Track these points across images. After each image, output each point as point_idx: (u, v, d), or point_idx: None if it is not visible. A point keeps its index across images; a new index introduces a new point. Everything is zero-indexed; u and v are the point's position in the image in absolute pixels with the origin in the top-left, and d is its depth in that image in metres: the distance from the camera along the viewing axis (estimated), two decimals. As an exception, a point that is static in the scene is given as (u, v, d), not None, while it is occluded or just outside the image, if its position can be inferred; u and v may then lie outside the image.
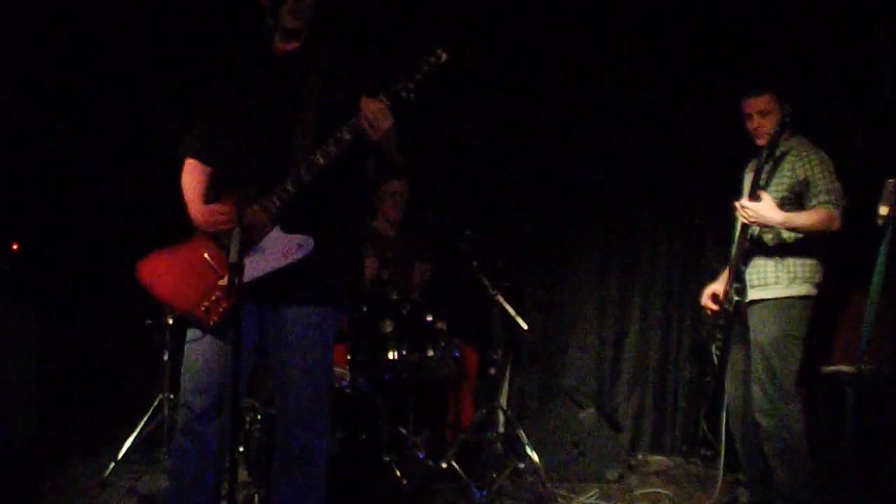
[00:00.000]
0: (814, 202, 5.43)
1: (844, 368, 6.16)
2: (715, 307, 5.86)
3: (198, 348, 4.11)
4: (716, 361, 5.85)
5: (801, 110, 5.69)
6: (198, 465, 4.16)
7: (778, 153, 5.59)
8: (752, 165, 5.89)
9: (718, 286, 5.91)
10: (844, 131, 6.75)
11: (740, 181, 5.96)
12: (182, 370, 4.25)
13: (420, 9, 7.43)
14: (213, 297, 4.07)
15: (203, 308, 4.04)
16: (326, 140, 4.04)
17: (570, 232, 7.94)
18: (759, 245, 5.61)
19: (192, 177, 4.37)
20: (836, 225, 5.38)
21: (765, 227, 5.49)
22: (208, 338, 4.10)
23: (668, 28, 7.45)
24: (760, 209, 5.35)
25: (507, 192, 7.85)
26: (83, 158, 7.31)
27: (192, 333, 4.20)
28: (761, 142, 5.68)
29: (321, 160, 4.03)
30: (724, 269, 5.99)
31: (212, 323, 4.05)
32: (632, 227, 7.88)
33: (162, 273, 4.16)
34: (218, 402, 4.13)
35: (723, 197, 6.18)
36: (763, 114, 5.65)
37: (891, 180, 4.32)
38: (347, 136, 4.02)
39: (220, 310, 4.05)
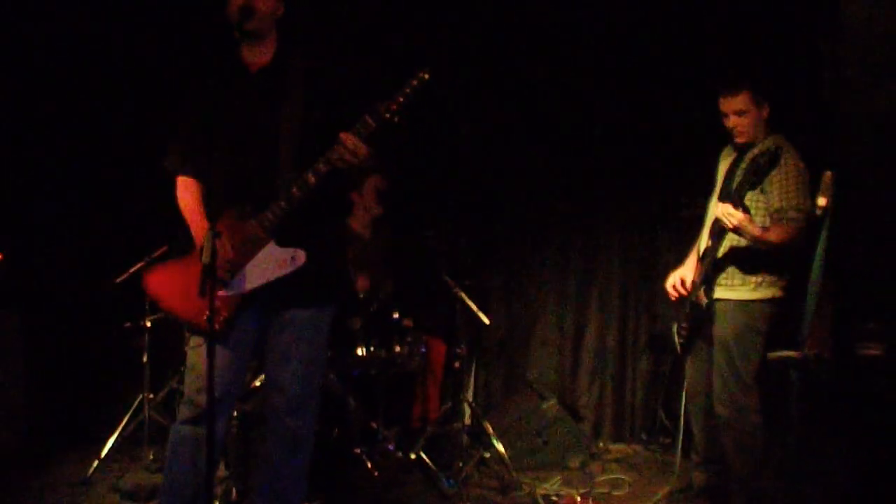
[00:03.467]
0: (784, 217, 5.51)
1: (790, 354, 6.30)
2: (681, 292, 5.94)
3: (201, 351, 4.28)
4: (678, 348, 5.95)
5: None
6: (193, 456, 4.36)
7: (757, 152, 5.60)
8: (726, 153, 5.97)
9: (685, 271, 5.99)
10: (788, 128, 6.88)
11: (698, 175, 6.13)
12: (186, 371, 4.50)
13: (399, 19, 7.60)
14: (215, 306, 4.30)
15: (205, 316, 4.27)
16: (316, 159, 4.20)
17: (530, 229, 8.03)
18: (733, 250, 5.69)
19: (187, 194, 4.53)
20: (800, 238, 5.48)
21: (740, 236, 5.58)
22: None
23: (629, 28, 7.57)
24: (743, 222, 5.41)
25: (470, 192, 7.94)
26: (65, 168, 7.38)
27: (194, 340, 4.42)
28: (740, 140, 5.75)
29: (313, 179, 4.21)
30: (689, 256, 6.09)
31: (215, 330, 4.28)
32: (590, 224, 7.98)
33: (167, 285, 4.40)
34: (223, 400, 4.35)
35: (673, 191, 6.37)
36: (740, 113, 5.68)
37: (828, 173, 4.52)
38: (336, 158, 4.18)
39: (221, 317, 4.28)
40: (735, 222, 5.42)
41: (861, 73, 6.11)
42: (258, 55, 4.37)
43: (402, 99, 4.23)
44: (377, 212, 7.16)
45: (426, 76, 4.27)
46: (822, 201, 4.65)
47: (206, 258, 3.91)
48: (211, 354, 3.89)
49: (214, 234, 3.95)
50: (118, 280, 6.40)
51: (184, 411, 4.48)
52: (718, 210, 5.54)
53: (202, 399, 4.17)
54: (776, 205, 5.55)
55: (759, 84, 5.81)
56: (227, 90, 4.38)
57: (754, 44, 7.13)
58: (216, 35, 4.53)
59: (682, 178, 7.21)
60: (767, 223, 5.58)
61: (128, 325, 6.67)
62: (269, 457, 4.55)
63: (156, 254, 6.21)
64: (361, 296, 6.42)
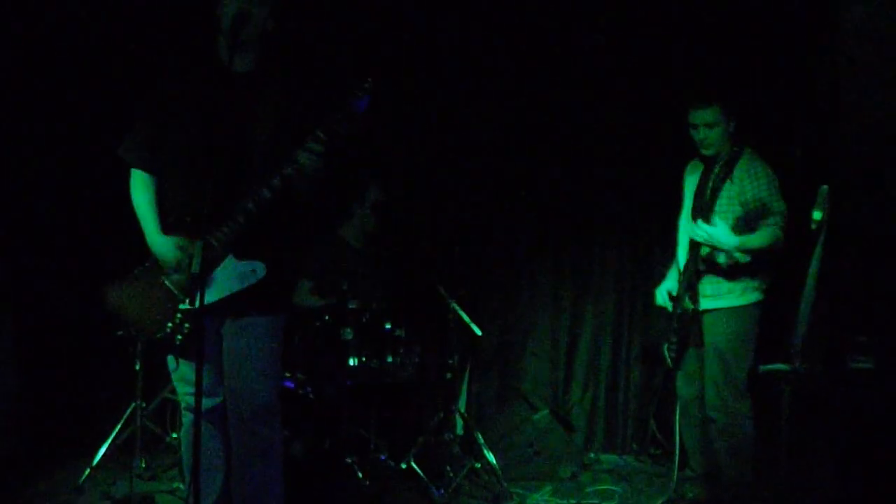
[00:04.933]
0: (763, 223, 5.60)
1: (781, 367, 6.32)
2: (667, 306, 6.03)
3: (183, 365, 4.39)
4: (669, 362, 6.01)
5: (744, 121, 5.91)
6: (209, 444, 4.52)
7: (726, 160, 5.66)
8: (692, 168, 6.07)
9: (670, 284, 6.07)
10: (784, 141, 6.91)
11: (680, 183, 6.16)
12: (174, 378, 4.58)
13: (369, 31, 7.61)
14: (177, 319, 4.32)
15: (168, 329, 4.28)
16: (272, 174, 4.23)
17: (524, 240, 8.03)
18: (713, 263, 5.77)
19: (140, 189, 4.53)
20: (781, 243, 5.58)
21: (719, 249, 5.66)
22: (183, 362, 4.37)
23: (617, 41, 7.58)
24: (716, 234, 5.49)
25: (464, 202, 7.93)
26: (61, 171, 7.37)
27: (171, 364, 4.48)
28: (707, 152, 5.83)
29: (268, 194, 4.23)
30: (670, 269, 6.20)
31: (179, 341, 4.30)
32: (583, 235, 7.99)
33: (126, 301, 4.44)
34: (218, 403, 4.49)
35: (667, 204, 6.39)
36: (710, 126, 5.76)
37: (824, 187, 4.56)
38: (290, 173, 4.21)
39: (185, 329, 4.31)
40: (706, 237, 5.54)
41: (859, 82, 6.15)
42: (241, 62, 4.34)
43: (348, 110, 4.24)
44: (373, 225, 7.15)
45: (368, 81, 4.27)
46: (817, 215, 4.67)
47: (195, 268, 3.92)
48: (199, 365, 3.87)
49: (204, 246, 3.97)
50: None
51: (188, 415, 4.59)
52: (694, 228, 5.63)
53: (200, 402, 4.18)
54: (746, 195, 5.66)
55: (729, 98, 5.89)
56: (203, 94, 4.39)
57: (750, 56, 7.15)
58: (195, 36, 4.62)
59: (676, 191, 7.23)
60: (740, 215, 5.64)
61: (119, 332, 6.61)
62: (241, 466, 4.57)
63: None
64: (354, 306, 6.42)
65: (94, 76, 7.33)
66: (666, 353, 6.01)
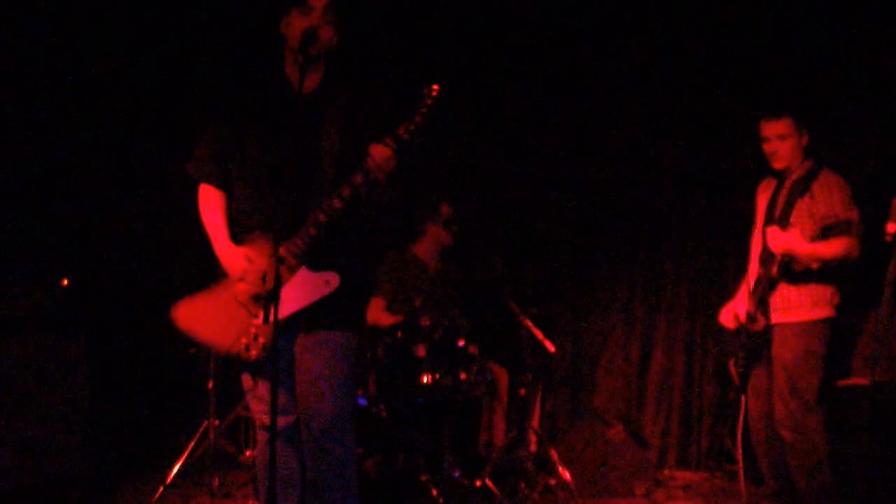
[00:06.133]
0: (835, 233, 5.49)
1: (860, 381, 6.26)
2: (732, 325, 5.99)
3: (259, 385, 4.37)
4: (735, 379, 5.98)
5: (815, 133, 5.87)
6: (285, 462, 4.50)
7: (797, 178, 5.69)
8: (765, 185, 6.04)
9: (737, 305, 6.03)
10: (857, 154, 6.85)
11: (753, 198, 6.12)
12: (248, 397, 4.55)
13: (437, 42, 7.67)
14: (251, 333, 4.29)
15: (243, 345, 4.27)
16: (341, 183, 4.22)
17: (596, 256, 8.04)
18: (785, 272, 5.71)
19: (209, 204, 4.53)
20: (855, 253, 5.52)
21: (791, 256, 5.62)
22: (260, 380, 4.36)
23: (690, 52, 7.55)
24: (790, 241, 5.49)
25: (536, 219, 7.96)
26: (133, 193, 7.44)
27: (246, 383, 4.47)
28: (778, 165, 5.81)
29: (337, 203, 4.22)
30: (741, 288, 6.13)
31: (253, 357, 4.29)
32: (656, 249, 7.98)
33: (198, 318, 4.40)
34: (296, 420, 4.46)
35: (740, 220, 6.35)
36: (782, 138, 5.75)
37: None
38: (359, 180, 4.20)
39: (260, 344, 4.30)
40: (781, 242, 5.53)
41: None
42: (307, 79, 4.33)
43: (417, 117, 4.22)
44: (447, 241, 7.16)
45: (435, 89, 4.25)
46: (891, 227, 4.61)
47: (269, 284, 3.90)
48: (275, 381, 3.87)
49: (279, 261, 3.95)
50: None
51: (263, 434, 4.55)
52: (766, 234, 5.61)
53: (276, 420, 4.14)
54: (822, 211, 5.57)
55: (801, 111, 5.86)
56: (270, 109, 4.42)
57: (822, 67, 7.08)
58: (262, 53, 4.66)
59: (749, 205, 7.18)
60: (817, 230, 5.54)
61: (193, 350, 6.60)
62: (316, 482, 4.52)
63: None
64: (426, 323, 6.40)
65: (162, 98, 7.44)
66: (733, 370, 5.98)
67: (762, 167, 6.03)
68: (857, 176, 6.03)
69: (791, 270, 5.69)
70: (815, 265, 5.60)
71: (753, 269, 5.94)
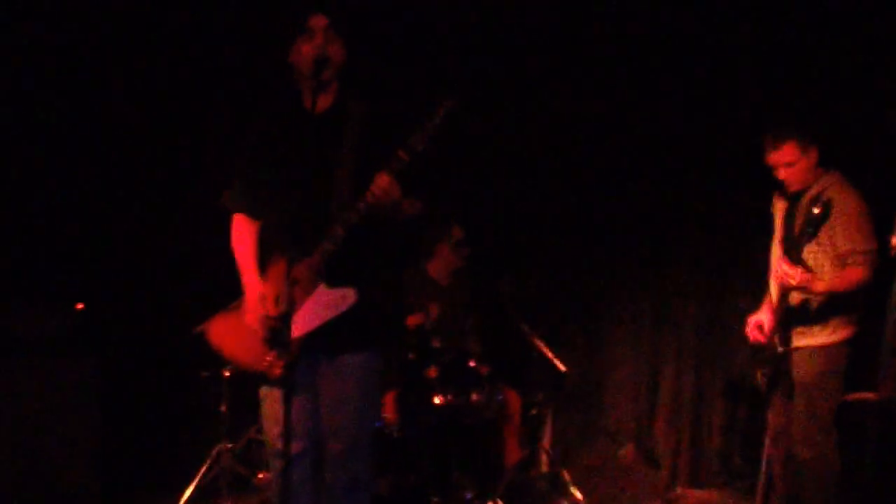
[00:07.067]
0: (850, 260, 5.50)
1: (866, 396, 6.26)
2: (760, 337, 5.91)
3: (272, 400, 4.37)
4: (762, 389, 5.94)
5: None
6: (300, 486, 4.46)
7: (813, 194, 5.62)
8: (781, 194, 5.97)
9: (762, 315, 5.96)
10: (857, 167, 6.84)
11: (768, 215, 6.08)
12: (263, 419, 4.54)
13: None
14: (276, 353, 4.28)
15: (266, 363, 4.30)
16: (358, 199, 4.23)
17: (604, 274, 8.04)
18: (804, 299, 5.67)
19: (243, 234, 4.58)
20: (869, 280, 5.47)
21: (805, 293, 5.59)
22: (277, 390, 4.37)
23: (704, 72, 7.54)
24: (804, 280, 5.42)
25: (544, 239, 7.96)
26: (145, 216, 7.45)
27: (263, 390, 4.47)
28: (793, 189, 5.75)
29: (353, 218, 4.22)
30: (764, 299, 6.07)
31: (276, 375, 4.31)
32: (662, 266, 7.97)
33: (227, 334, 4.46)
34: (309, 446, 4.44)
35: (747, 236, 6.37)
36: (789, 165, 5.66)
37: None
38: (374, 194, 4.17)
39: (282, 362, 4.33)
40: (795, 284, 5.45)
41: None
42: (321, 99, 4.39)
43: (431, 131, 4.23)
44: (457, 264, 7.19)
45: (450, 103, 4.26)
46: (895, 240, 4.62)
47: (283, 307, 3.96)
48: (288, 401, 3.90)
49: (293, 283, 4.00)
50: (197, 329, 6.41)
51: (275, 464, 4.49)
52: (778, 271, 5.56)
53: (287, 446, 4.16)
54: (842, 248, 5.53)
55: (804, 126, 5.77)
56: (288, 133, 4.48)
57: (822, 80, 7.10)
58: (277, 79, 4.67)
59: (756, 220, 7.18)
60: (836, 263, 5.55)
61: (206, 374, 6.70)
62: (331, 501, 4.53)
63: (234, 304, 6.23)
64: (436, 344, 6.42)
65: (178, 124, 7.50)
66: (759, 380, 5.95)
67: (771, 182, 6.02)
68: (860, 188, 5.97)
69: (809, 298, 5.66)
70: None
71: (774, 280, 5.89)
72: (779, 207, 5.99)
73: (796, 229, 5.67)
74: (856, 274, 5.49)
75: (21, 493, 6.27)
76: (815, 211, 5.38)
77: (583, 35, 7.70)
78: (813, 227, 5.42)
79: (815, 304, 5.65)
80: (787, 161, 5.66)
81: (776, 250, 5.91)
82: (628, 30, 7.60)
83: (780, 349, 5.71)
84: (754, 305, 6.17)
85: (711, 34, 7.34)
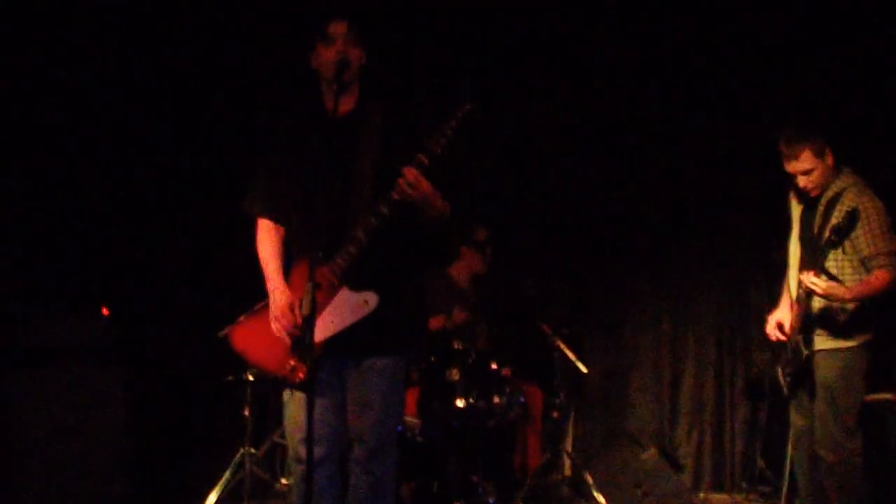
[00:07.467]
0: (874, 263, 5.47)
1: (887, 396, 6.25)
2: (781, 336, 5.89)
3: (295, 404, 4.38)
4: (785, 391, 5.90)
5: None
6: (323, 491, 4.42)
7: (831, 196, 5.61)
8: (798, 199, 5.93)
9: (781, 314, 5.94)
10: (875, 167, 6.82)
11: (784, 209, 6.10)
12: (286, 424, 4.53)
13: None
14: (299, 357, 4.29)
15: (289, 367, 4.31)
16: (379, 201, 4.24)
17: (625, 276, 8.09)
18: (825, 305, 5.65)
19: (267, 239, 4.56)
20: (893, 283, 5.47)
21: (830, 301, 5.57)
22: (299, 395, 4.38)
23: (723, 74, 7.62)
24: (830, 289, 5.42)
25: (565, 240, 7.99)
26: (168, 223, 7.50)
27: (286, 394, 4.46)
28: (814, 194, 5.70)
29: (374, 221, 4.23)
30: (781, 297, 6.06)
31: (298, 380, 4.32)
32: (682, 269, 8.01)
33: (250, 339, 4.44)
34: (329, 448, 4.43)
35: (764, 237, 6.36)
36: (807, 173, 5.60)
37: None
38: (396, 198, 4.21)
39: (305, 367, 4.33)
40: (821, 291, 5.44)
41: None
42: (342, 102, 4.39)
43: (449, 132, 4.26)
44: (480, 268, 7.22)
45: (469, 106, 4.29)
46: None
47: (305, 311, 3.93)
48: (310, 407, 3.89)
49: (314, 286, 3.99)
50: (220, 334, 6.42)
51: (296, 469, 4.49)
52: (803, 280, 5.52)
53: (304, 450, 4.16)
54: (865, 251, 5.51)
55: (814, 129, 5.69)
56: (310, 136, 4.47)
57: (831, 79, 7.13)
58: (299, 82, 4.71)
59: (771, 219, 7.19)
60: (861, 272, 5.54)
61: (229, 378, 6.71)
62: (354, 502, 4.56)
63: (257, 307, 6.23)
64: (457, 347, 6.42)
65: (203, 132, 7.57)
66: (781, 379, 5.91)
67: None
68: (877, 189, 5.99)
69: (830, 308, 5.64)
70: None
71: (793, 275, 5.85)
72: (795, 204, 5.97)
73: (815, 229, 5.65)
74: (882, 278, 5.46)
75: (48, 498, 6.29)
76: (842, 222, 5.37)
77: (615, 36, 7.79)
78: (838, 236, 5.40)
79: (836, 307, 5.62)
80: (805, 169, 5.60)
81: (794, 248, 5.89)
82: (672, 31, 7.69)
83: (804, 353, 5.69)
84: (773, 304, 6.16)
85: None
